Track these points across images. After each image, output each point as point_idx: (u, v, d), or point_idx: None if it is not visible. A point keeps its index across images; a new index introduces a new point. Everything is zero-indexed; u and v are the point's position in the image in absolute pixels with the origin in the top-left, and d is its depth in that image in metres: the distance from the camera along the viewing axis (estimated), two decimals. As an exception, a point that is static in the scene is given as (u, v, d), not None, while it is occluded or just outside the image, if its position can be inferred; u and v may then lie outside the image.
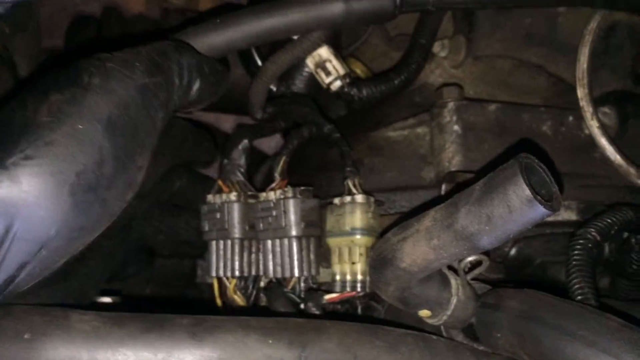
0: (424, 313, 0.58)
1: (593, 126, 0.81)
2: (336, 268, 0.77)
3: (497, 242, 0.46)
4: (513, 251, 0.80)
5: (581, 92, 0.82)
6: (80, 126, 0.48)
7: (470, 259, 0.58)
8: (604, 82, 0.91)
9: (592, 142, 0.86)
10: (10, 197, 0.44)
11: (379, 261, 0.53)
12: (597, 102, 0.90)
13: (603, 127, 0.81)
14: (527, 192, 0.42)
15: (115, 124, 0.51)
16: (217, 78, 0.68)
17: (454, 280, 0.58)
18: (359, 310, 0.82)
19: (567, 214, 0.80)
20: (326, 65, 0.92)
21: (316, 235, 0.81)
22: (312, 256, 0.80)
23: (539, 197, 0.43)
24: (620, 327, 0.48)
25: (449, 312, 0.58)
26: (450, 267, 0.60)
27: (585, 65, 0.82)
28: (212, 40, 0.75)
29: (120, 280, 0.87)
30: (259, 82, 0.92)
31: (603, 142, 0.81)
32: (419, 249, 0.49)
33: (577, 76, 0.83)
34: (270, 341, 0.51)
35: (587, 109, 0.81)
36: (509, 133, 0.85)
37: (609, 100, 0.88)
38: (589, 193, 0.83)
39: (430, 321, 0.59)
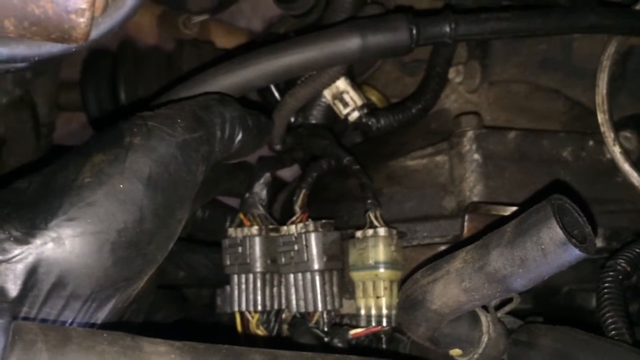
0: (455, 352, 0.58)
1: (615, 152, 0.80)
2: (361, 302, 0.76)
3: (531, 284, 0.46)
4: (539, 280, 0.80)
5: (602, 118, 0.81)
6: (121, 185, 0.49)
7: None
8: (623, 106, 0.91)
9: (613, 167, 0.86)
10: (55, 257, 0.46)
11: (409, 302, 0.53)
12: (617, 126, 0.90)
13: (626, 153, 0.80)
14: (561, 235, 0.42)
15: (156, 182, 0.53)
16: (259, 130, 0.70)
17: (484, 318, 0.58)
18: (384, 342, 0.81)
19: (592, 241, 0.79)
20: (344, 97, 0.92)
21: (338, 269, 0.80)
22: (335, 289, 0.80)
23: (573, 240, 0.42)
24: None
25: (480, 351, 0.57)
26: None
27: (604, 91, 0.82)
28: (232, 80, 0.76)
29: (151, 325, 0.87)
30: (278, 116, 0.93)
31: (626, 167, 0.80)
32: (450, 291, 0.49)
33: (597, 102, 0.82)
34: None
35: (608, 134, 0.81)
36: (530, 160, 0.85)
37: (629, 124, 0.88)
38: (613, 219, 0.82)
39: None
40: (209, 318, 0.99)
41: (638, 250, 0.67)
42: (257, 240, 0.83)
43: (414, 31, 0.79)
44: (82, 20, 0.41)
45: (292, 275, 0.81)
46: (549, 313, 0.79)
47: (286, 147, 0.98)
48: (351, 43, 0.77)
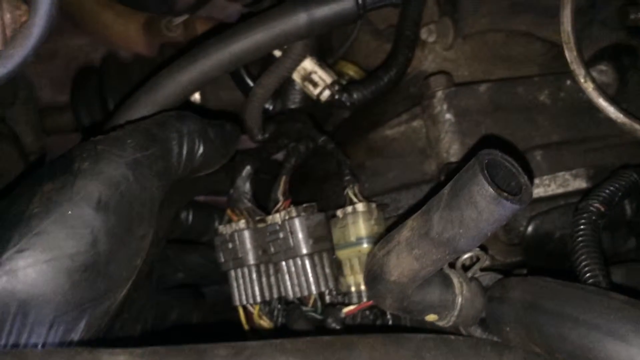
0: (431, 317, 0.57)
1: (588, 88, 0.78)
2: (350, 280, 0.77)
3: (476, 243, 0.45)
4: (530, 229, 0.78)
5: (570, 56, 0.79)
6: (70, 212, 0.51)
7: (466, 256, 0.57)
8: (597, 38, 0.88)
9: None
10: (11, 289, 0.48)
11: (370, 277, 0.53)
12: (593, 60, 0.87)
13: (599, 88, 0.78)
14: (490, 191, 0.41)
15: (106, 204, 0.54)
16: (224, 140, 0.71)
17: (456, 279, 0.57)
18: (388, 315, 0.81)
19: (577, 182, 0.77)
20: (312, 77, 0.92)
21: (327, 249, 0.80)
22: (327, 270, 0.80)
23: (504, 194, 0.42)
24: (624, 305, 0.46)
25: (456, 313, 0.57)
26: (452, 266, 0.59)
27: (569, 27, 0.79)
28: (185, 77, 0.76)
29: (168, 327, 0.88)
30: (250, 107, 0.93)
31: (602, 102, 0.78)
32: (403, 261, 0.49)
33: (563, 40, 0.80)
34: None
35: (578, 72, 0.78)
36: (505, 110, 0.83)
37: (604, 56, 0.85)
38: (597, 156, 0.80)
39: (440, 323, 0.59)
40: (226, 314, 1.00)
41: (611, 188, 0.65)
42: (246, 233, 0.83)
43: (359, -3, 0.78)
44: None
45: (283, 263, 0.82)
46: (543, 262, 0.78)
47: (270, 136, 0.98)
48: (297, 19, 0.77)
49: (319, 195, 0.92)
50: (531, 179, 0.45)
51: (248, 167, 0.89)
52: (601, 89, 0.78)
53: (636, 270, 0.72)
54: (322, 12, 0.77)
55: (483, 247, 0.58)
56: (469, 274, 0.58)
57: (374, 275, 0.52)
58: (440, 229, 0.45)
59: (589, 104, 0.84)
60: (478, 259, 0.57)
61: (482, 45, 0.98)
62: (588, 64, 0.85)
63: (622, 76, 0.83)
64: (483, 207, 0.42)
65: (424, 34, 1.00)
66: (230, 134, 0.72)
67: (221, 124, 0.71)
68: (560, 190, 0.77)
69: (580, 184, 0.77)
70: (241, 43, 0.77)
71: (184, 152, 0.64)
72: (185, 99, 0.81)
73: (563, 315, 0.48)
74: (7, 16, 0.46)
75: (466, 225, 0.44)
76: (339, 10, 0.78)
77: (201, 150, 0.66)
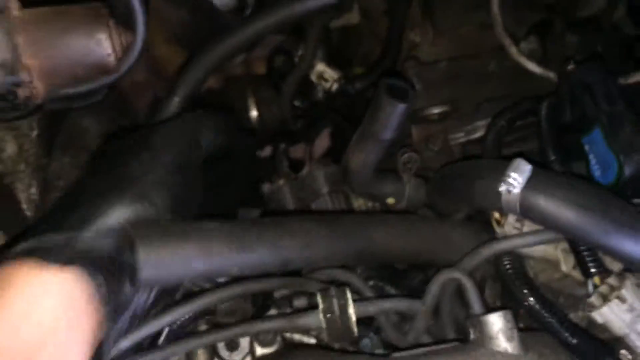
0: (390, 201, 0.89)
1: (514, 53, 1.08)
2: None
3: (392, 133, 0.78)
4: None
5: (498, 30, 1.09)
6: None
7: (405, 156, 0.89)
8: (526, 19, 1.18)
9: (530, 67, 1.13)
10: None
11: (343, 172, 0.86)
12: (526, 34, 1.17)
13: (519, 50, 1.08)
14: (387, 98, 0.74)
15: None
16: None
17: (405, 175, 0.90)
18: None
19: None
20: (324, 75, 1.27)
21: (343, 190, 1.13)
22: (343, 206, 1.13)
23: (396, 98, 0.74)
24: (495, 163, 0.77)
25: (406, 196, 0.88)
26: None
27: (496, 10, 1.10)
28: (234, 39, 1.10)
29: None
30: (282, 101, 1.28)
31: (523, 60, 1.07)
32: (355, 155, 0.82)
33: (493, 20, 1.10)
34: None
35: (506, 42, 1.08)
36: (461, 79, 1.15)
37: (530, 31, 1.15)
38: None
39: (398, 206, 0.90)
40: None
41: (511, 112, 0.95)
42: (285, 188, 1.18)
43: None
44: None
45: (313, 205, 1.15)
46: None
47: (300, 127, 1.34)
48: None
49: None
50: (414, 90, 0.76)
51: (283, 145, 1.24)
52: (520, 50, 1.08)
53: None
54: None
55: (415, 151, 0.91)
56: (412, 172, 0.90)
57: (344, 170, 0.86)
58: (369, 127, 0.78)
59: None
60: (413, 160, 0.89)
61: (457, 39, 1.29)
62: (521, 39, 1.16)
63: (544, 44, 1.12)
64: (385, 108, 0.75)
65: (412, 35, 1.32)
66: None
67: None
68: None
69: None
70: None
71: None
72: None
73: (454, 175, 0.79)
74: (120, 41, 0.81)
75: (380, 122, 0.76)
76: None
77: None
